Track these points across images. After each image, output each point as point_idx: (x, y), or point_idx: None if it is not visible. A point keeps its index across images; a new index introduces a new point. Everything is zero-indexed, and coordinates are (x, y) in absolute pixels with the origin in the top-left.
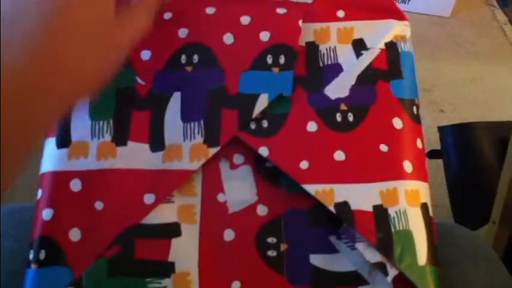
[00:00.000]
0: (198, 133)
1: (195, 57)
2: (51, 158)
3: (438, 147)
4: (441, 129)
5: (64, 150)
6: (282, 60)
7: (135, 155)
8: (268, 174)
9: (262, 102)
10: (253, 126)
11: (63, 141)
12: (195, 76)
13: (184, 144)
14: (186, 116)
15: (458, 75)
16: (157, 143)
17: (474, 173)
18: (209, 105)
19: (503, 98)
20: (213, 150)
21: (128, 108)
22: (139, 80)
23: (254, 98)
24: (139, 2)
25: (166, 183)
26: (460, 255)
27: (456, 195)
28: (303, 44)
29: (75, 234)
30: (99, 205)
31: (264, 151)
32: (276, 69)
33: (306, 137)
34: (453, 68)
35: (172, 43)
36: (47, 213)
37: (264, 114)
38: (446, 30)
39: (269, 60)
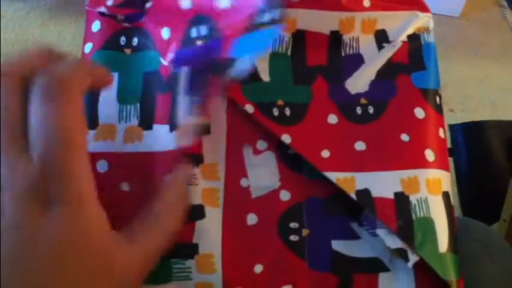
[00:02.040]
0: (195, 110)
1: (203, 30)
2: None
3: (448, 145)
4: (452, 128)
5: (91, 132)
6: (276, 14)
7: (159, 137)
8: (291, 161)
9: (244, 63)
10: (276, 113)
11: (91, 122)
12: (202, 51)
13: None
14: (187, 91)
15: (467, 75)
16: (173, 123)
17: (484, 171)
18: (209, 78)
19: None
20: (193, 120)
21: (153, 91)
22: (163, 62)
23: (237, 60)
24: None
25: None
26: (475, 249)
27: (466, 193)
28: (328, 32)
29: None
30: (125, 186)
31: (286, 138)
32: (267, 27)
33: (327, 128)
34: (463, 68)
35: (183, 17)
36: None
37: (286, 102)
38: (456, 30)
39: (264, 18)
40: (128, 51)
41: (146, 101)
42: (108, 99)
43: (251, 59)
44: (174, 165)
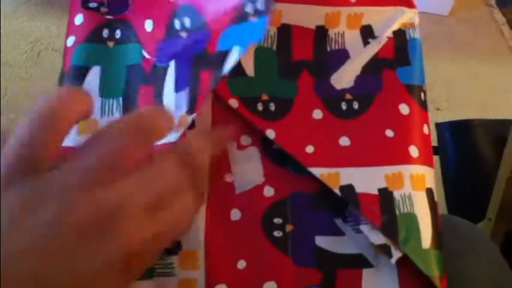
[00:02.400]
0: (185, 103)
1: (187, 22)
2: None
3: (435, 143)
4: (439, 126)
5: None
6: (259, 5)
7: None
8: (275, 157)
9: (233, 56)
10: (260, 108)
11: None
12: (187, 43)
13: (176, 115)
14: (178, 87)
15: (455, 74)
16: None
17: (471, 169)
18: (193, 72)
19: (500, 97)
20: (190, 119)
21: (136, 85)
22: (145, 55)
23: (227, 53)
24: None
25: None
26: (461, 247)
27: (453, 191)
28: (313, 27)
29: None
30: None
31: (270, 133)
32: (253, 18)
33: (312, 123)
34: (450, 66)
35: (166, 8)
36: None
37: (271, 97)
38: (444, 29)
39: (248, 9)
40: (110, 44)
41: (129, 95)
42: (90, 93)
43: (241, 51)
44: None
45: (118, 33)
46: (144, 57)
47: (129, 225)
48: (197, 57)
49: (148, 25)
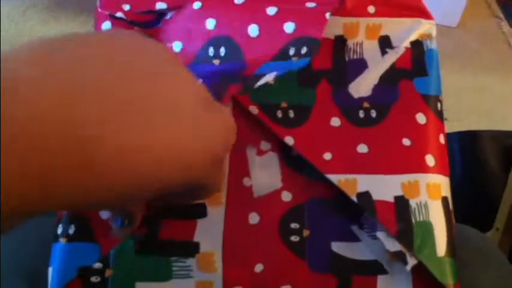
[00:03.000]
0: None
1: (222, 50)
2: None
3: None
4: (447, 136)
5: None
6: (303, 50)
7: None
8: (293, 163)
9: (268, 77)
10: (279, 115)
11: None
12: (220, 69)
13: None
14: None
15: (463, 85)
16: None
17: (479, 180)
18: (218, 85)
19: (508, 108)
20: None
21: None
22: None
23: (262, 76)
24: None
25: None
26: (471, 257)
27: (460, 201)
28: (332, 37)
29: (105, 212)
30: None
31: (289, 140)
32: (295, 59)
33: (330, 131)
34: (458, 77)
35: (202, 35)
36: None
37: (290, 104)
38: (452, 40)
39: (291, 52)
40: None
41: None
42: None
43: (277, 75)
44: None
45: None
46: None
47: None
48: (228, 76)
49: (177, 46)
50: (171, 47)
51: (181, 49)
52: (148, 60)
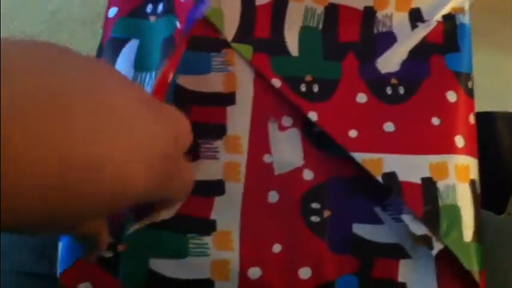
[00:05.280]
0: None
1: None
2: None
3: None
4: None
5: None
6: None
7: None
8: (316, 140)
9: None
10: (303, 89)
11: None
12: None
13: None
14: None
15: (478, 64)
16: None
17: (493, 162)
18: None
19: None
20: None
21: (168, 57)
22: (178, 25)
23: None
24: None
25: None
26: (491, 241)
27: None
28: (361, 8)
29: None
30: None
31: (313, 116)
32: None
33: (355, 107)
34: (473, 57)
35: None
36: None
37: (315, 78)
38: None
39: None
40: (152, 18)
41: (161, 68)
42: (124, 66)
43: None
44: None
45: (160, 8)
46: (176, 27)
47: None
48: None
49: (112, 11)
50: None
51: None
52: (86, 73)
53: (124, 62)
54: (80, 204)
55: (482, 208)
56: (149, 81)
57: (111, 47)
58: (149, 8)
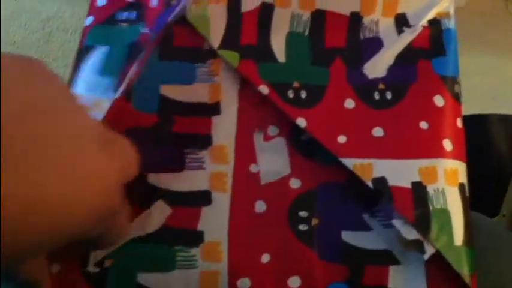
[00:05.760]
0: None
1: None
2: None
3: None
4: None
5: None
6: None
7: None
8: (302, 148)
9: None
10: (291, 95)
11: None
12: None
13: None
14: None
15: (468, 66)
16: None
17: (486, 165)
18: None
19: None
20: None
21: (133, 62)
22: (144, 30)
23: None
24: None
25: None
26: (483, 243)
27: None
28: (348, 13)
29: None
30: None
31: (301, 122)
32: None
33: (344, 112)
34: (463, 59)
35: None
36: None
37: (302, 84)
38: (457, 22)
39: None
40: (124, 25)
41: (125, 73)
42: (90, 73)
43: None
44: None
45: (133, 15)
46: (141, 33)
47: None
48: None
49: (154, 1)
50: (149, 3)
51: (158, 3)
52: (41, 97)
53: (89, 69)
54: (16, 240)
55: (475, 211)
56: (110, 86)
57: (83, 55)
58: (123, 15)
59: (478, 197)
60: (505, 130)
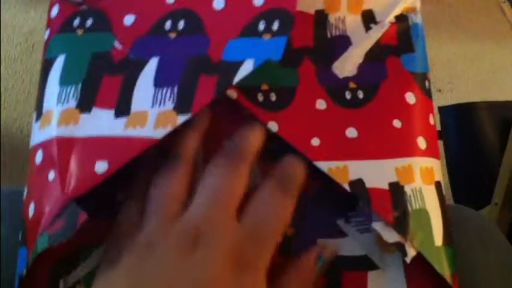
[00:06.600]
0: (169, 99)
1: (181, 24)
2: (34, 134)
3: (438, 128)
4: (442, 110)
5: (38, 123)
6: (275, 26)
7: (98, 122)
8: (272, 155)
9: (246, 68)
10: (260, 98)
11: (39, 113)
12: (177, 42)
13: (152, 111)
14: (159, 82)
15: (456, 55)
16: (122, 108)
17: (476, 153)
18: (187, 72)
19: (502, 78)
20: (182, 118)
21: (99, 73)
22: (117, 45)
23: (238, 64)
24: None
25: (122, 151)
26: (468, 239)
27: (457, 176)
28: (312, 11)
29: (31, 210)
30: (51, 175)
31: (273, 126)
32: (267, 36)
33: (316, 114)
34: (451, 47)
35: (159, 8)
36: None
37: (271, 87)
38: (444, 8)
39: (261, 26)
40: (79, 32)
41: (89, 82)
42: (51, 83)
43: (255, 64)
44: (111, 152)
45: (89, 22)
46: (114, 46)
47: None
48: (194, 60)
49: (129, 19)
50: (123, 21)
51: (134, 22)
52: None
53: (52, 81)
54: None
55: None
56: (74, 95)
57: (46, 69)
58: (76, 22)
59: (467, 187)
60: (493, 117)
